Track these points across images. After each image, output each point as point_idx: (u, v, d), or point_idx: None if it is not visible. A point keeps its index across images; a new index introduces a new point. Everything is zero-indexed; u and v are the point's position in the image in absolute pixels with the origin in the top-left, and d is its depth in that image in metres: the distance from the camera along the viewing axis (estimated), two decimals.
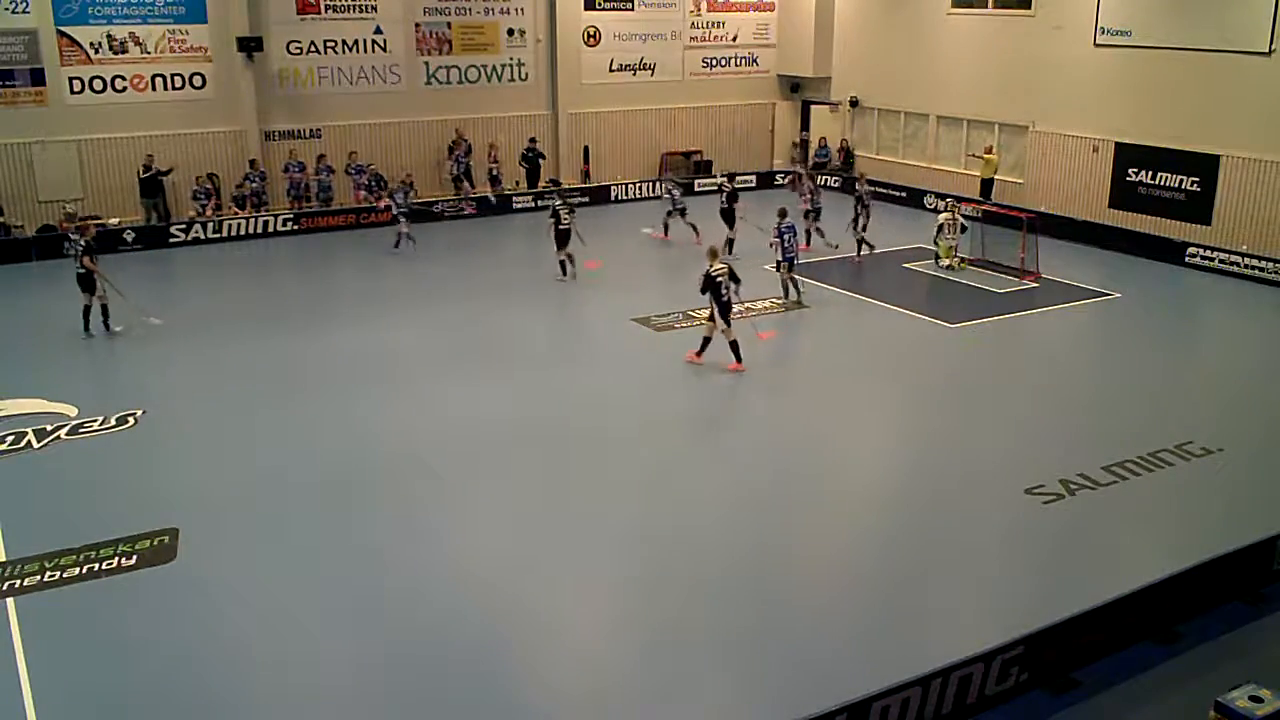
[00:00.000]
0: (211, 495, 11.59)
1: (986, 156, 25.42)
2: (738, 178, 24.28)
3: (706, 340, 15.40)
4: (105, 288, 16.83)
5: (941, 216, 21.35)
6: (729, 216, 21.87)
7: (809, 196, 22.31)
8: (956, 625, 9.25)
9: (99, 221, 22.84)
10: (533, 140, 27.21)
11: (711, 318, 15.37)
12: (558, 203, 20.19)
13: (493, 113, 27.26)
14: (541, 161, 27.32)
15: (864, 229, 21.54)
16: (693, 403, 14.44)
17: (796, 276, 18.56)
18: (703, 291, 15.15)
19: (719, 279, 14.95)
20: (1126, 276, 20.77)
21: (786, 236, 17.97)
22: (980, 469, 12.31)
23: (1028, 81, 25.09)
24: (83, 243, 16.76)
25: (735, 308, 15.76)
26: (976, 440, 13.21)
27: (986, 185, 25.41)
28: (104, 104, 23.14)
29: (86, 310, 16.79)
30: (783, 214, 18.18)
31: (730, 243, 21.48)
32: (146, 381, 14.99)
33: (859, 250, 21.59)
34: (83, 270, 16.67)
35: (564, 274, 19.97)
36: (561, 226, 19.66)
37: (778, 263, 18.24)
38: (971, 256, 21.46)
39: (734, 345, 15.20)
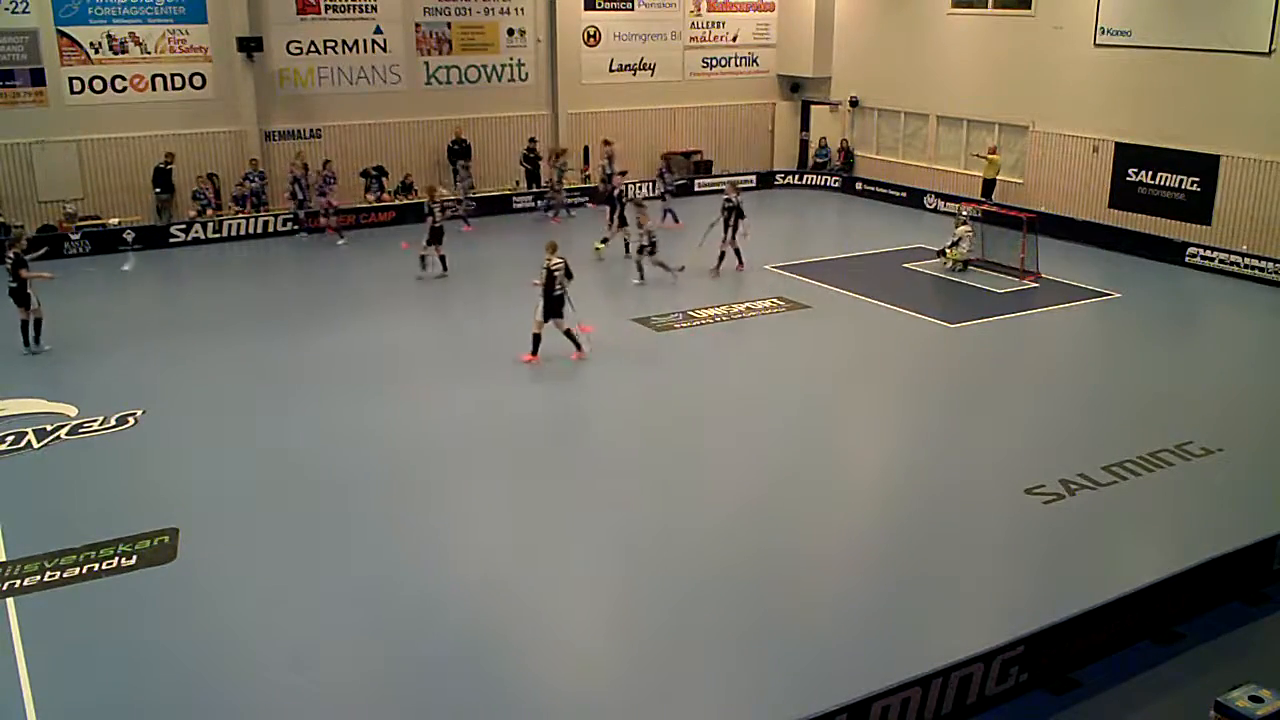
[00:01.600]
0: (211, 495, 11.59)
1: (990, 157, 25.35)
2: (622, 175, 24.73)
3: (537, 338, 15.46)
4: (39, 301, 15.96)
5: (960, 229, 21.22)
6: (614, 215, 21.78)
7: (664, 178, 25.30)
8: (956, 625, 9.25)
9: (99, 221, 22.92)
10: (532, 140, 27.24)
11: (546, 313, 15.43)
12: (434, 201, 20.17)
13: (493, 113, 27.27)
14: (541, 162, 27.30)
15: (732, 239, 20.35)
16: (692, 402, 14.42)
17: (663, 262, 19.31)
18: (545, 286, 15.21)
19: (556, 273, 15.15)
20: (1126, 276, 20.77)
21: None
22: (980, 469, 12.31)
23: (1028, 81, 25.08)
24: (12, 254, 15.82)
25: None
26: (976, 440, 13.21)
27: (989, 185, 25.39)
28: (104, 104, 23.13)
29: (24, 325, 15.93)
30: (640, 205, 19.36)
31: (625, 244, 21.21)
32: (146, 381, 14.97)
33: (739, 259, 20.61)
34: (15, 284, 15.71)
35: (423, 269, 20.21)
36: (436, 224, 19.96)
37: (640, 248, 19.32)
38: (972, 257, 21.44)
39: (569, 334, 15.51)
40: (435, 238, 19.99)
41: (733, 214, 20.29)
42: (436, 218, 20.01)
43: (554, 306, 15.32)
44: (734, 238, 20.41)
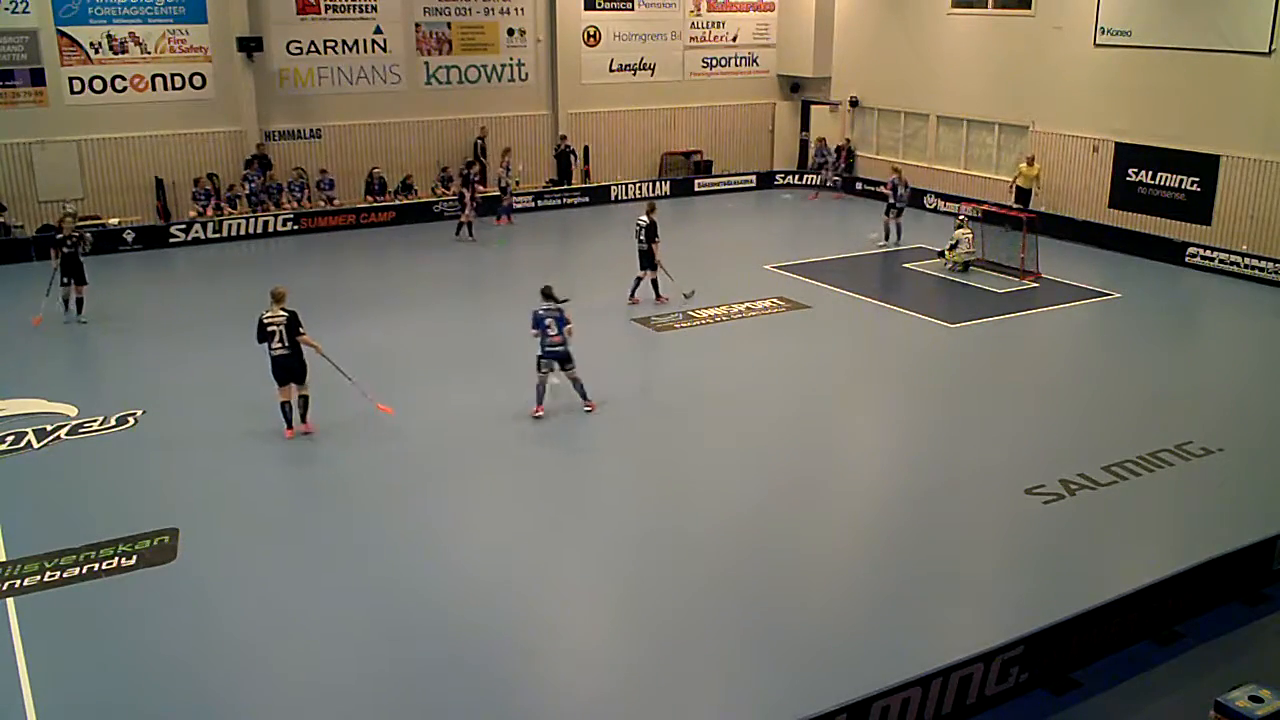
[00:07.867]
0: (211, 495, 11.58)
1: (1025, 169, 24.30)
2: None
3: (285, 406, 12.90)
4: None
5: (958, 232, 21.16)
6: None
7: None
8: (956, 625, 9.25)
9: (98, 221, 22.89)
10: (563, 138, 27.71)
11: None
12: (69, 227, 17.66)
13: (493, 113, 27.28)
14: (573, 158, 27.83)
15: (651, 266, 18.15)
16: (692, 404, 14.42)
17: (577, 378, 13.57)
18: (259, 341, 12.66)
19: (270, 327, 12.48)
20: (1126, 276, 20.77)
21: (548, 324, 13.22)
22: (980, 469, 12.30)
23: (1028, 81, 25.07)
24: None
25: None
26: (977, 440, 13.21)
27: (1023, 194, 24.36)
28: (104, 104, 23.14)
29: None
30: (546, 293, 13.35)
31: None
32: (146, 381, 14.97)
33: (655, 290, 18.37)
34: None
35: (65, 310, 17.42)
36: (67, 251, 17.16)
37: (538, 359, 13.36)
38: (973, 257, 21.41)
39: (284, 406, 12.87)
40: (72, 270, 17.26)
41: (646, 234, 17.84)
42: (67, 246, 17.13)
43: (278, 369, 12.57)
44: (652, 264, 17.98)
